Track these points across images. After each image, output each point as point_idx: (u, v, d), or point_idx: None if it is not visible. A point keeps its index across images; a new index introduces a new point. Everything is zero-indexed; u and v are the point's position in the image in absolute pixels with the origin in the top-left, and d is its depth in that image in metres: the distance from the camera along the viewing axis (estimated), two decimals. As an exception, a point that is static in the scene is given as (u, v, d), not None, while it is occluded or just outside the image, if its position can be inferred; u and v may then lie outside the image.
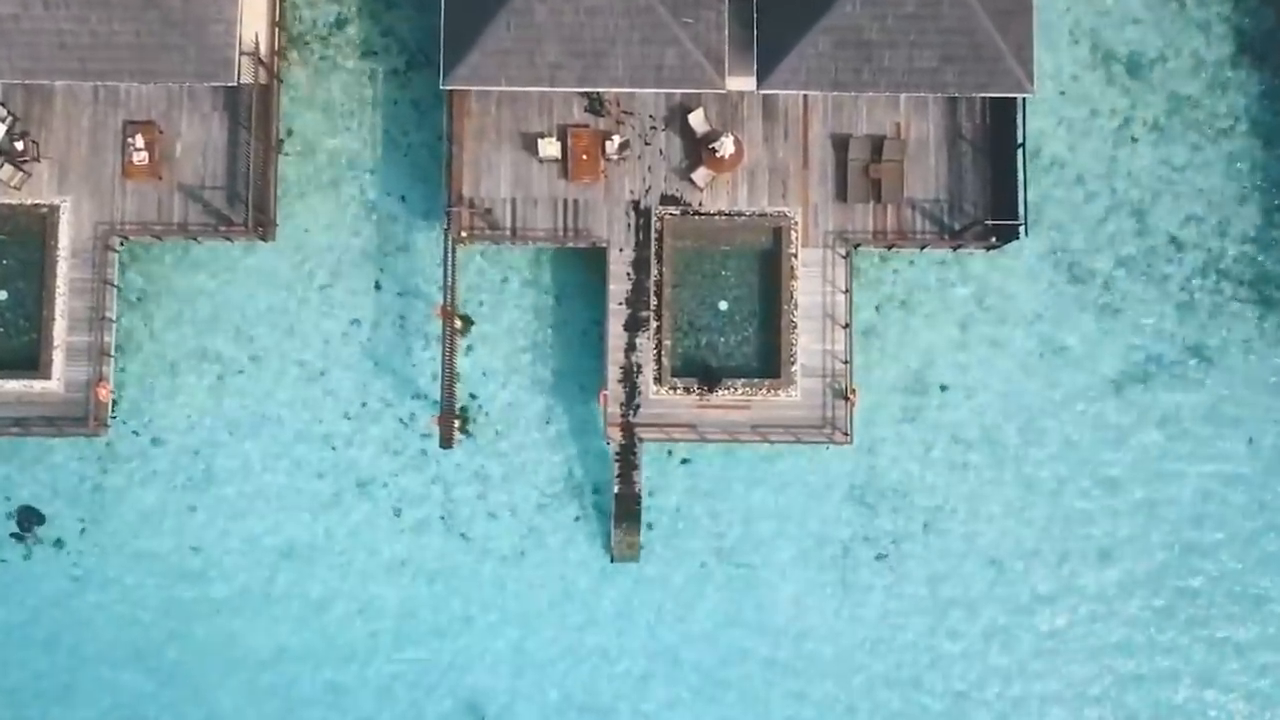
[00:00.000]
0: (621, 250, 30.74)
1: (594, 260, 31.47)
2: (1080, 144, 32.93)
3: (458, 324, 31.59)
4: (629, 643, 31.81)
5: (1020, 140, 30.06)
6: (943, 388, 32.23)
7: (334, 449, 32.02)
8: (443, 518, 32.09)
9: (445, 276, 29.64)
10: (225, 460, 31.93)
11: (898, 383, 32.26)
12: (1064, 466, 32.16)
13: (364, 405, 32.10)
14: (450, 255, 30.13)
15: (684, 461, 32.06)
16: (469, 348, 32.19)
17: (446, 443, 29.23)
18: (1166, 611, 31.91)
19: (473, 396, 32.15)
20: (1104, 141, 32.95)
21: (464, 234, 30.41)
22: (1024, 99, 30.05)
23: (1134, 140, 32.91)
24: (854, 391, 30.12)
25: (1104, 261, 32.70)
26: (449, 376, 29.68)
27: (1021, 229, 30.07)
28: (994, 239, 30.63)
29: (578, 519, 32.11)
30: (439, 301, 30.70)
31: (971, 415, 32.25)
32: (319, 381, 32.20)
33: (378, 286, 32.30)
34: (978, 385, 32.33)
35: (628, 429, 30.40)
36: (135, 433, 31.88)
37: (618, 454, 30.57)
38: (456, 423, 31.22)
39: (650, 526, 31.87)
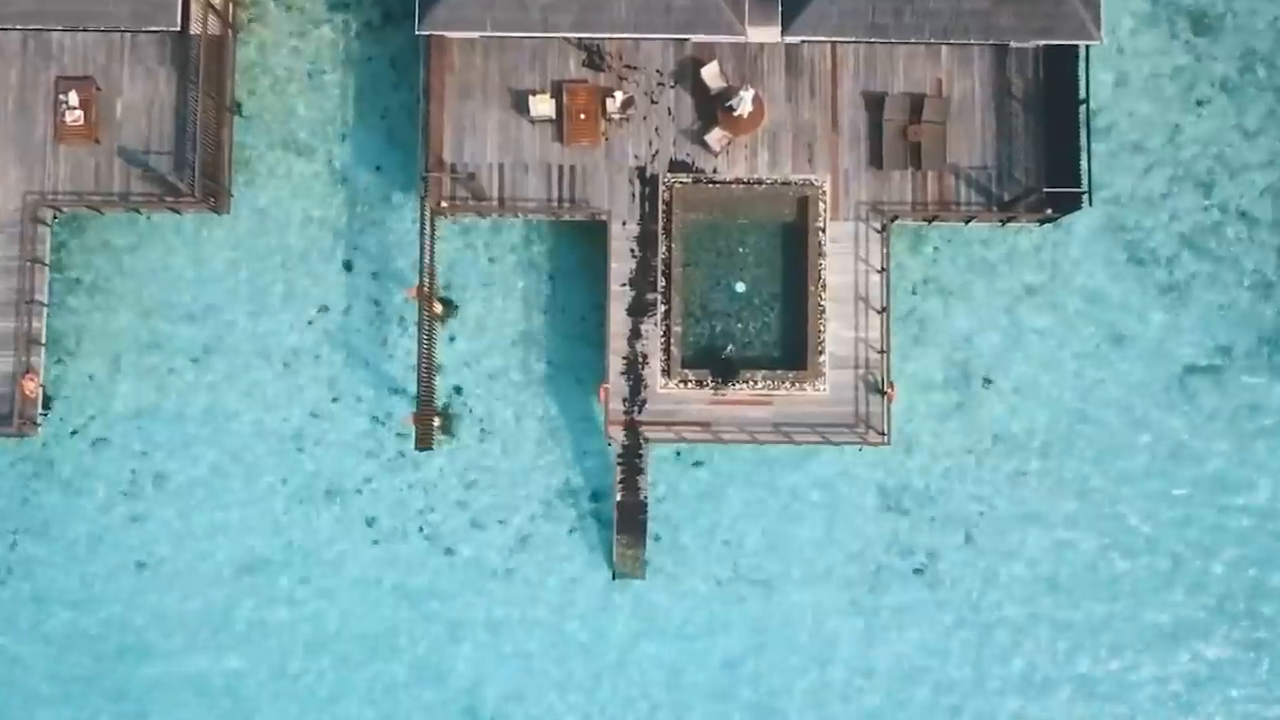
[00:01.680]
0: (624, 224, 26.92)
1: (593, 235, 27.60)
2: (1139, 107, 29.09)
3: (437, 308, 27.80)
4: (633, 671, 27.98)
5: (1083, 96, 26.23)
6: (987, 381, 28.42)
7: (300, 450, 28.21)
8: (422, 529, 28.29)
9: (422, 253, 25.79)
10: (175, 464, 28.08)
11: (937, 376, 28.46)
12: (1124, 471, 28.34)
13: (334, 400, 28.31)
14: (427, 229, 26.31)
15: (696, 465, 28.25)
16: (451, 337, 28.39)
17: (424, 443, 25.37)
18: (1252, 644, 28.12)
19: (456, 391, 28.36)
20: (1167, 105, 29.11)
21: (444, 204, 26.58)
22: (1087, 48, 26.23)
23: (1200, 104, 29.09)
24: (891, 385, 26.31)
25: (1168, 239, 28.87)
26: (426, 368, 25.87)
27: (1085, 198, 26.21)
28: (1050, 210, 26.82)
29: (575, 530, 28.30)
30: (415, 283, 26.79)
31: (1019, 413, 28.44)
32: (282, 375, 28.38)
33: (348, 267, 28.49)
34: (1027, 379, 28.51)
35: (632, 428, 26.59)
36: (73, 432, 28.05)
37: (620, 456, 26.75)
38: (436, 421, 27.45)
39: (657, 538, 28.07)
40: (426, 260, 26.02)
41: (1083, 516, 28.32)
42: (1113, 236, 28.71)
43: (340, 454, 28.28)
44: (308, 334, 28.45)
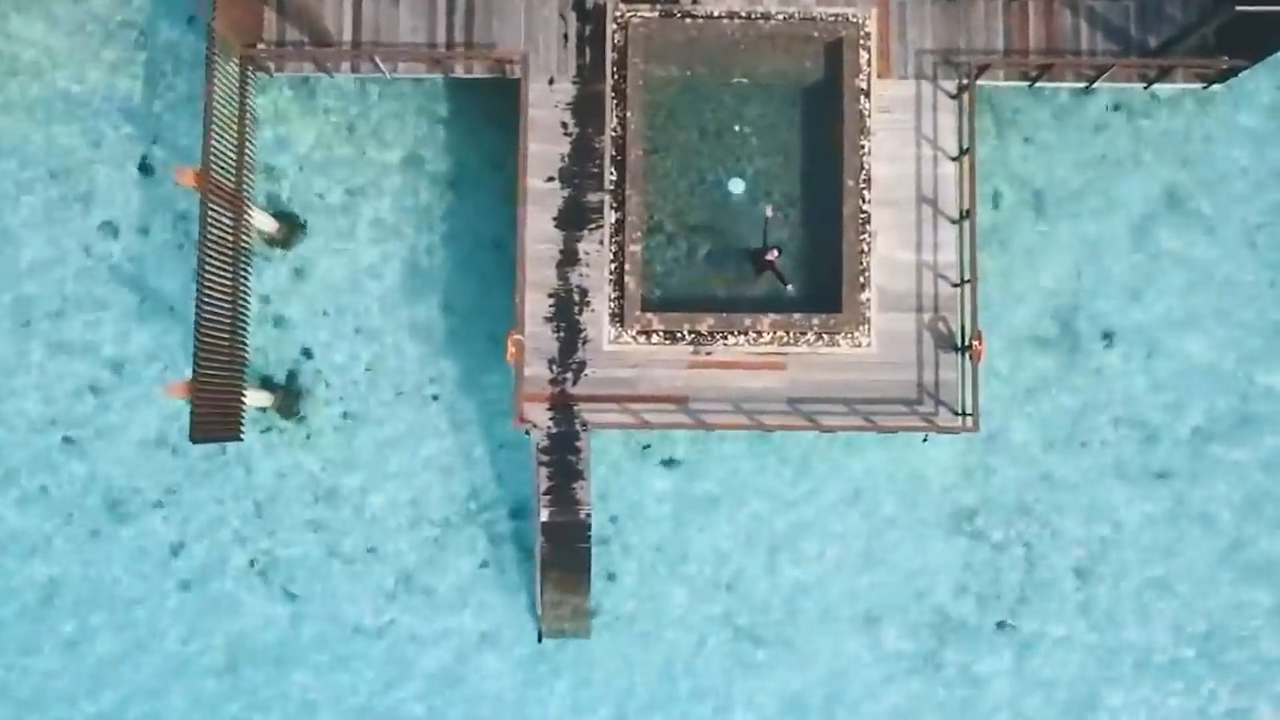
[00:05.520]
0: (552, 82, 17.04)
1: (502, 101, 17.65)
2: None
3: (273, 227, 17.98)
4: (573, 785, 18.24)
5: None
6: (1107, 337, 18.57)
7: (70, 441, 18.45)
8: (254, 562, 18.48)
9: (207, 116, 15.64)
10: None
11: (1031, 331, 18.62)
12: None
13: (118, 371, 18.51)
14: (222, 83, 16.34)
15: (668, 464, 18.45)
16: (297, 270, 18.58)
17: (203, 431, 15.16)
18: None
19: (305, 354, 18.56)
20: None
21: (260, 49, 16.68)
22: None
23: None
24: (979, 336, 16.37)
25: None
26: (211, 305, 15.59)
27: (1287, 36, 16.34)
28: (1225, 62, 16.92)
29: (486, 565, 18.49)
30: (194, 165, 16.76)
31: (1154, 386, 18.58)
32: (39, 335, 18.61)
33: (146, 169, 18.69)
34: (1164, 334, 18.65)
35: (562, 407, 16.73)
36: None
37: (545, 452, 16.90)
38: (271, 399, 17.73)
39: (611, 578, 18.28)
40: (241, 141, 15.98)
41: (1263, 544, 18.46)
42: (1294, 119, 18.85)
43: (129, 450, 18.51)
44: (80, 275, 18.66)
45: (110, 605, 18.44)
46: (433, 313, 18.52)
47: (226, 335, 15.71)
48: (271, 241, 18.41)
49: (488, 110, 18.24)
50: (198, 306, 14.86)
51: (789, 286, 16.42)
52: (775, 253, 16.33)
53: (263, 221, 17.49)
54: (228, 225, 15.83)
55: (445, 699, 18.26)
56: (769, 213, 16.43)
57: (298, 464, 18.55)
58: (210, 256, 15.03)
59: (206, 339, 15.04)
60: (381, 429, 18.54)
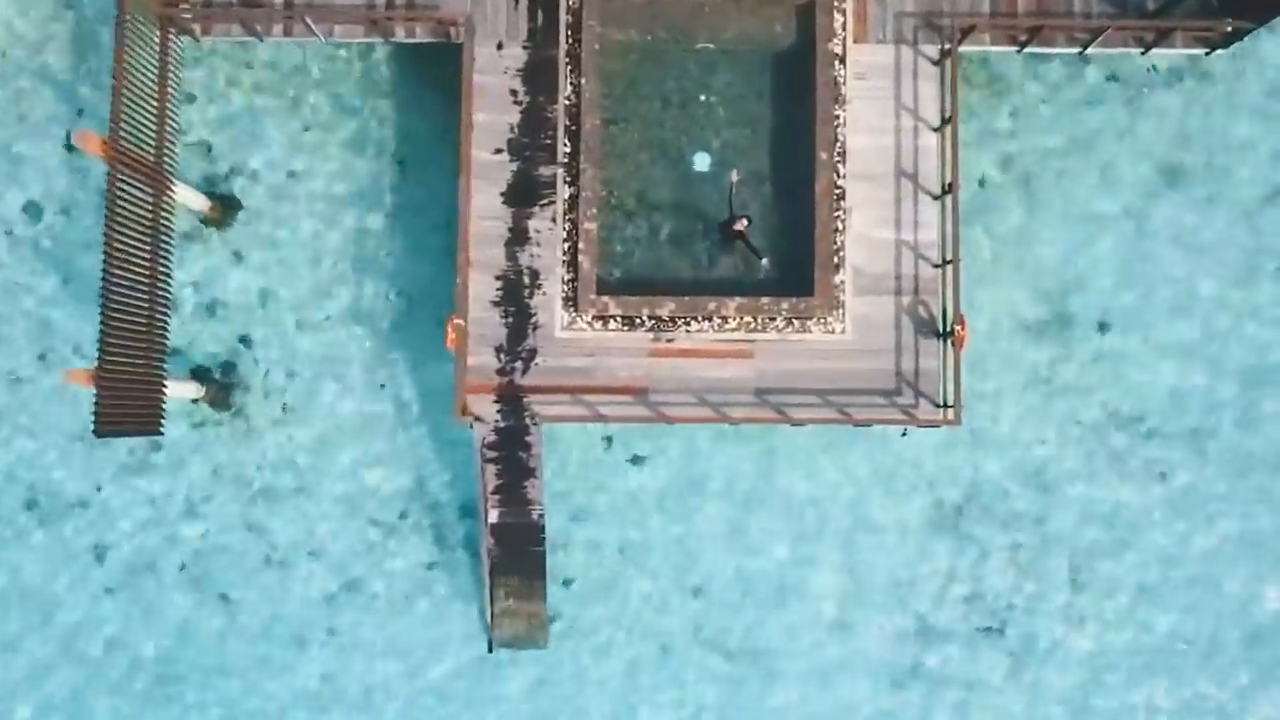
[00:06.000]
0: (501, 46, 15.74)
1: (451, 69, 16.23)
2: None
3: (205, 206, 16.70)
4: (527, 807, 16.96)
5: None
6: (1102, 327, 17.28)
7: (-14, 439, 17.22)
8: (184, 566, 17.21)
9: (116, 87, 14.24)
10: None
11: (1020, 316, 17.33)
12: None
13: (40, 361, 17.24)
14: (137, 44, 15.03)
15: (634, 461, 17.16)
16: (236, 254, 17.31)
17: (108, 423, 13.74)
18: None
19: (243, 343, 17.26)
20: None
21: (183, 7, 15.36)
22: None
23: None
24: (962, 321, 15.03)
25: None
26: (117, 287, 14.19)
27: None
28: (1229, 24, 15.63)
29: (434, 566, 17.21)
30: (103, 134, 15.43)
31: (1151, 375, 17.30)
32: (-46, 316, 17.39)
33: (73, 145, 17.39)
34: (1162, 320, 17.34)
35: (511, 399, 15.42)
36: None
37: (491, 448, 15.60)
38: (201, 391, 16.49)
39: (567, 584, 17.00)
40: (132, 96, 14.64)
41: (1270, 539, 17.22)
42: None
43: (51, 446, 17.23)
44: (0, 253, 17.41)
45: (28, 612, 17.15)
46: (379, 298, 17.22)
47: (143, 320, 14.39)
48: (205, 221, 17.13)
49: (436, 79, 16.92)
50: (103, 287, 13.52)
51: (764, 261, 15.14)
52: (744, 222, 15.02)
53: (189, 198, 16.18)
54: (145, 200, 14.51)
55: (389, 711, 16.96)
56: (735, 178, 15.11)
57: (233, 460, 17.26)
58: (120, 233, 13.71)
59: (115, 323, 13.72)
60: (323, 423, 17.24)
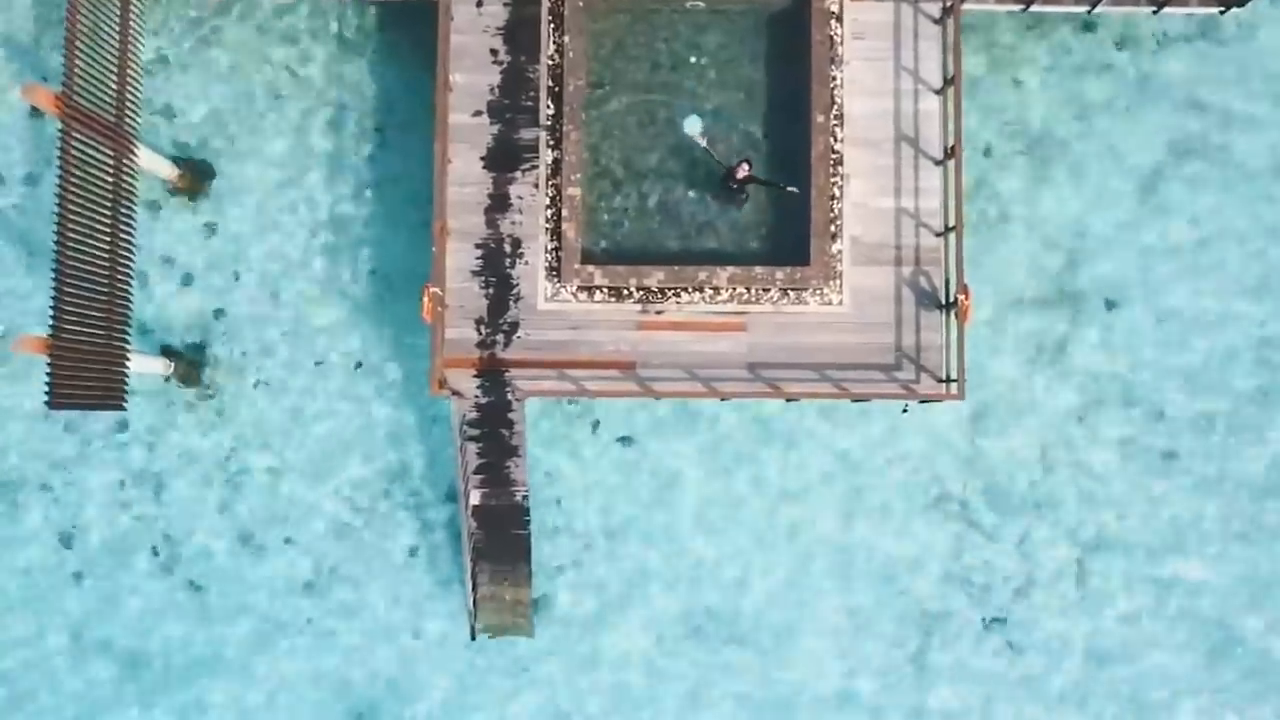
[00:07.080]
0: (480, 3, 15.01)
1: (421, 25, 15.48)
2: None
3: (172, 173, 15.98)
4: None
5: None
6: (1110, 304, 16.57)
7: (-48, 419, 16.49)
8: (156, 550, 16.50)
9: (70, 39, 13.44)
10: None
11: (1024, 292, 16.61)
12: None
13: (1, 335, 16.59)
14: (111, 5, 14.30)
15: (622, 441, 16.45)
16: (208, 225, 16.59)
17: (63, 396, 12.91)
18: None
19: (216, 316, 16.55)
20: None
21: (146, -37, 14.65)
22: None
23: None
24: (965, 292, 14.29)
25: None
26: (72, 253, 13.31)
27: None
28: (1247, -19, 14.96)
29: (416, 552, 16.50)
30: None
31: (1162, 354, 16.60)
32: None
33: (38, 111, 16.67)
34: (1174, 298, 16.64)
35: (492, 373, 14.70)
36: None
37: (472, 424, 14.88)
38: (170, 367, 15.80)
39: (558, 569, 16.32)
40: (89, 51, 13.85)
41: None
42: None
43: (14, 425, 16.56)
44: (-39, 220, 16.71)
45: None
46: (358, 272, 16.52)
47: (103, 288, 13.67)
48: (175, 190, 16.41)
49: (416, 41, 16.19)
50: (57, 249, 12.80)
51: (789, 188, 14.19)
52: (746, 166, 14.16)
53: (157, 165, 15.46)
54: (104, 162, 13.78)
55: (368, 702, 16.27)
56: (697, 132, 14.08)
57: (206, 440, 16.55)
58: (75, 196, 12.98)
59: (71, 289, 13.00)
60: (299, 401, 16.54)
